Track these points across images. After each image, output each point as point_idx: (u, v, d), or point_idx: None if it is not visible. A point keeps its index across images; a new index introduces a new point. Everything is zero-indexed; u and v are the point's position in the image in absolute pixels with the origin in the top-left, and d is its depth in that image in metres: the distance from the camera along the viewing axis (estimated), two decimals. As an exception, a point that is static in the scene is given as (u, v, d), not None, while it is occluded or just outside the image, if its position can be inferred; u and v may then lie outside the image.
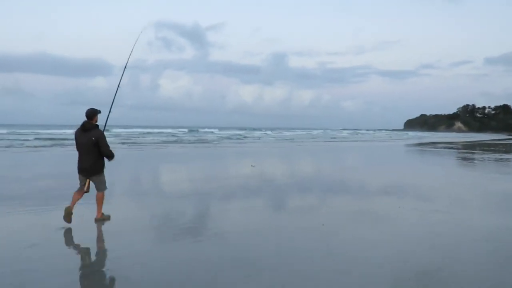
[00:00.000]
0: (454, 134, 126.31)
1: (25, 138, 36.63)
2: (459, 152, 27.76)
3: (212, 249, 5.13)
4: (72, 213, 6.03)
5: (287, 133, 77.94)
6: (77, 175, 6.27)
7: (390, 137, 72.78)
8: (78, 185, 6.28)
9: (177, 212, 7.31)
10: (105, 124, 6.39)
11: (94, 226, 6.15)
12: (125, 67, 7.06)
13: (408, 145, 38.16)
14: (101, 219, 6.32)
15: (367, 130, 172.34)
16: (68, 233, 5.82)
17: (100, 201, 6.29)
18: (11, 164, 16.33)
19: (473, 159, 21.91)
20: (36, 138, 36.88)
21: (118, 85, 6.80)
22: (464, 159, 22.31)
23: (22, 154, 20.92)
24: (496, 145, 41.58)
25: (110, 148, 6.15)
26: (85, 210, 6.62)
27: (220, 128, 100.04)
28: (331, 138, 60.63)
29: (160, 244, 5.39)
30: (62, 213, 6.03)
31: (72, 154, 6.97)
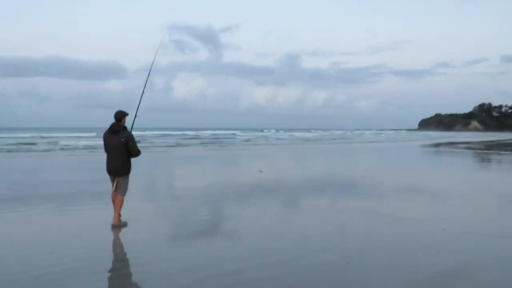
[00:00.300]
0: (473, 133, 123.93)
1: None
2: (497, 154, 26.60)
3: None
4: (120, 219, 6.33)
5: (309, 134, 76.72)
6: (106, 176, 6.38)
7: (409, 137, 71.11)
8: (110, 187, 6.39)
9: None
10: (132, 126, 6.50)
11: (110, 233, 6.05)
12: (149, 73, 7.10)
13: (435, 146, 36.98)
14: (118, 225, 6.26)
15: (381, 130, 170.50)
16: (83, 238, 5.73)
17: (118, 206, 6.28)
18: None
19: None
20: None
21: (143, 89, 6.85)
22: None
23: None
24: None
25: (138, 148, 6.28)
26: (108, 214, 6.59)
27: (237, 129, 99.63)
28: (358, 139, 59.18)
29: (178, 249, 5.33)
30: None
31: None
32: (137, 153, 6.24)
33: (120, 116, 6.22)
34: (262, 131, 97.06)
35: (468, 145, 36.40)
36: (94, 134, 51.95)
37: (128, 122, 6.38)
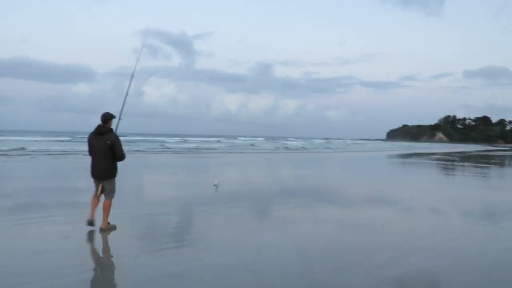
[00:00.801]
0: (440, 144, 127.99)
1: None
2: (471, 166, 27.26)
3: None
4: (94, 221, 6.11)
5: (295, 143, 76.15)
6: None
7: (375, 147, 72.65)
8: (93, 190, 6.25)
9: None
10: (116, 130, 6.29)
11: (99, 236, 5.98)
12: (132, 76, 7.11)
13: (404, 156, 37.72)
14: (107, 228, 6.11)
15: (351, 139, 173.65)
16: (72, 242, 5.64)
17: (106, 209, 6.11)
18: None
19: (493, 175, 21.31)
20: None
21: (126, 93, 6.86)
22: (485, 175, 21.67)
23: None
24: (490, 156, 41.66)
25: (124, 152, 6.13)
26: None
27: (207, 136, 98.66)
28: (327, 148, 59.91)
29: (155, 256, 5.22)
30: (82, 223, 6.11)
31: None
32: (122, 156, 6.06)
33: (107, 118, 6.05)
34: (236, 138, 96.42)
35: (444, 157, 37.30)
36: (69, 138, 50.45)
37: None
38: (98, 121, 6.11)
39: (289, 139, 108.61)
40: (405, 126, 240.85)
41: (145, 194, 11.35)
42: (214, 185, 11.03)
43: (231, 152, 37.17)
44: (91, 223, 6.09)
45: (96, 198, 6.19)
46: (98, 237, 5.97)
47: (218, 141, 69.49)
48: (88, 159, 6.22)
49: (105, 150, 5.95)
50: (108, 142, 5.94)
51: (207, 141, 67.81)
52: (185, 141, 62.21)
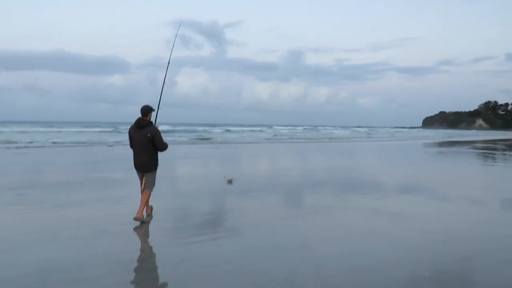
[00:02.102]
0: (484, 132, 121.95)
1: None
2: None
3: None
4: (144, 216, 6.19)
5: (339, 131, 73.53)
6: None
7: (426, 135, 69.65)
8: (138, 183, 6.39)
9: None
10: (155, 121, 6.34)
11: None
12: (168, 64, 7.04)
13: (452, 144, 35.51)
14: (143, 219, 6.12)
15: (384, 127, 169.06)
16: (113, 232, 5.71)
17: (144, 200, 6.18)
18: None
19: None
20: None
21: (164, 82, 6.87)
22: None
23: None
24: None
25: (165, 142, 6.21)
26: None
27: (240, 125, 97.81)
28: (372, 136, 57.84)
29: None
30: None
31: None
32: (164, 148, 6.15)
33: (147, 111, 6.11)
34: (271, 127, 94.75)
35: (488, 145, 34.88)
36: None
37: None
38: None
39: (327, 127, 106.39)
40: (442, 113, 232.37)
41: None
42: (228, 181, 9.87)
43: (309, 142, 36.31)
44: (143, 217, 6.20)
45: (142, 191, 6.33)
46: (136, 226, 6.00)
47: (260, 130, 68.11)
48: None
49: (146, 142, 6.04)
50: (149, 135, 6.01)
51: (251, 130, 66.70)
52: (228, 131, 60.78)
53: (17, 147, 22.35)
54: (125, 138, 6.96)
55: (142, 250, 5.16)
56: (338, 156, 22.21)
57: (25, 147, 22.88)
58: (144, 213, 6.24)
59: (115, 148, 23.51)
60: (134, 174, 6.43)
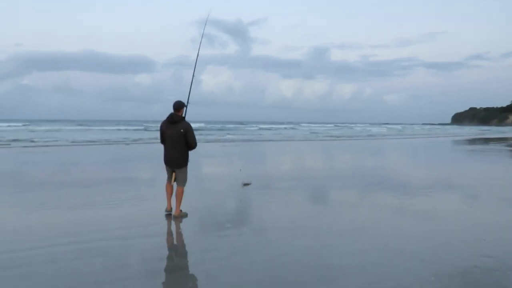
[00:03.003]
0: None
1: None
2: None
3: None
4: (172, 209, 6.36)
5: (376, 129, 72.68)
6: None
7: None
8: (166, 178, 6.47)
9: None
10: (184, 116, 6.28)
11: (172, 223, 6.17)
12: (196, 62, 7.05)
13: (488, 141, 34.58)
14: (180, 216, 6.23)
15: (411, 124, 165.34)
16: (145, 228, 5.84)
17: (179, 197, 6.23)
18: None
19: None
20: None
21: (192, 79, 6.84)
22: None
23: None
24: None
25: (196, 140, 6.20)
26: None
27: (266, 123, 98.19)
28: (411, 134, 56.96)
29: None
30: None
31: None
32: (194, 145, 6.13)
33: (179, 106, 6.11)
34: (299, 124, 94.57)
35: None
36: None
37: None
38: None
39: (358, 125, 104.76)
40: (472, 109, 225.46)
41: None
42: (244, 184, 9.17)
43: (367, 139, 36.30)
44: (169, 211, 6.38)
45: (170, 185, 6.36)
46: (172, 224, 6.14)
47: (292, 128, 68.33)
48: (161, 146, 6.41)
49: (178, 138, 6.02)
50: (182, 130, 5.99)
51: (284, 128, 66.98)
52: (260, 128, 61.42)
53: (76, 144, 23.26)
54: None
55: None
56: (399, 154, 22.24)
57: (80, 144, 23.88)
58: (173, 209, 6.34)
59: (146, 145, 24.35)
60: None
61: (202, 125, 59.13)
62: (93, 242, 5.13)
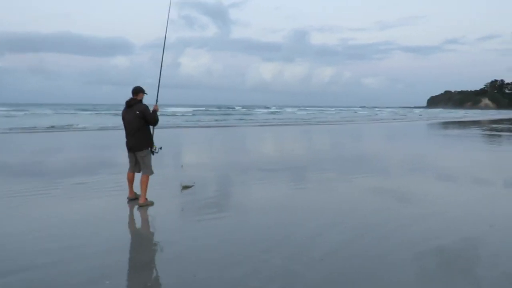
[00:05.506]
0: (494, 111, 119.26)
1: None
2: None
3: None
4: (135, 198, 6.26)
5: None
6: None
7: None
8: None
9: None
10: (156, 102, 6.26)
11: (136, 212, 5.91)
12: (164, 50, 6.73)
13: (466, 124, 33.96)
14: (144, 204, 6.07)
15: (388, 107, 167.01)
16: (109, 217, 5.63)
17: (143, 185, 6.12)
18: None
19: None
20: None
21: (161, 64, 6.67)
22: None
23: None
24: None
25: (156, 116, 6.15)
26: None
27: (244, 106, 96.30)
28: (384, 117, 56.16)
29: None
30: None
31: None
32: (154, 121, 6.11)
33: (136, 90, 6.10)
34: (283, 108, 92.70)
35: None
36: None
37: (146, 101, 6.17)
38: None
39: (353, 108, 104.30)
40: (447, 93, 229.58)
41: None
42: (184, 187, 7.25)
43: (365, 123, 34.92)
44: (131, 197, 6.30)
45: (132, 173, 6.32)
46: (136, 213, 5.89)
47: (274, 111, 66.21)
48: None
49: (136, 120, 5.99)
50: (137, 112, 5.98)
51: (274, 111, 64.51)
52: (251, 113, 58.38)
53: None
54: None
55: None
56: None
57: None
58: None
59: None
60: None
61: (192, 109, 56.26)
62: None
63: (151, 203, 6.16)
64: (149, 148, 6.20)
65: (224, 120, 39.87)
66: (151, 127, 6.21)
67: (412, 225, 5.14)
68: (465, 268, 3.85)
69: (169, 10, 7.15)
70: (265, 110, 72.22)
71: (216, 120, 38.59)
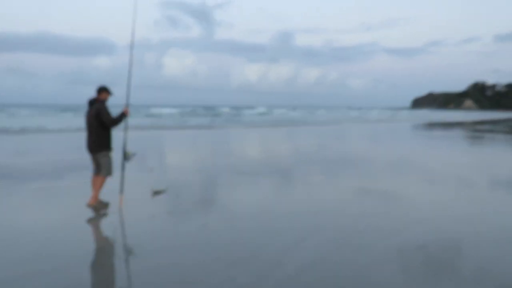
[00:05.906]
0: (477, 113, 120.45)
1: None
2: None
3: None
4: (101, 202, 6.02)
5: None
6: None
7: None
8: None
9: None
10: (127, 102, 5.99)
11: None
12: (132, 46, 6.37)
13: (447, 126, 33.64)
14: (95, 205, 5.86)
15: (373, 108, 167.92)
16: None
17: (96, 185, 5.91)
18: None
19: None
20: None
21: (130, 64, 6.23)
22: None
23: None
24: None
25: (112, 117, 5.83)
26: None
27: (232, 107, 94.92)
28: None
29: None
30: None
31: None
32: (109, 122, 5.78)
33: (99, 89, 5.93)
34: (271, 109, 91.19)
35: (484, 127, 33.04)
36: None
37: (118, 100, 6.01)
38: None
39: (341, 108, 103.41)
40: (431, 94, 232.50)
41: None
42: (155, 192, 6.73)
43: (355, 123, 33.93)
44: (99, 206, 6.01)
45: (96, 176, 6.09)
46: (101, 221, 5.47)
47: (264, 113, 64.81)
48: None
49: (93, 120, 5.80)
50: (94, 111, 5.79)
51: (261, 113, 63.05)
52: (239, 114, 56.31)
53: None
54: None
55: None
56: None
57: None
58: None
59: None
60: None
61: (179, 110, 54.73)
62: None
63: (105, 205, 5.89)
64: (108, 150, 5.92)
65: (212, 121, 38.72)
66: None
67: (398, 233, 4.87)
68: (452, 277, 3.68)
69: (134, 10, 6.50)
70: (253, 111, 70.97)
71: (207, 123, 37.44)
